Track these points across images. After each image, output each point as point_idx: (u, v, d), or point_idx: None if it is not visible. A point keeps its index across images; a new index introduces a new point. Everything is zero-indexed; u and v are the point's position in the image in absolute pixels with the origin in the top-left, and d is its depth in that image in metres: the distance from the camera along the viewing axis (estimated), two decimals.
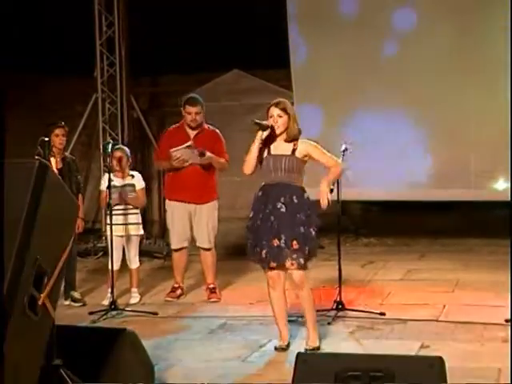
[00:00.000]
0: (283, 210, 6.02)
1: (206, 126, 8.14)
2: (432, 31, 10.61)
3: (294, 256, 5.98)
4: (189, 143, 7.90)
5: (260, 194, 6.17)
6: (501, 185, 10.57)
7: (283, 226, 5.99)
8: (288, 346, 6.20)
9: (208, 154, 7.89)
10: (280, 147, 6.15)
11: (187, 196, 8.02)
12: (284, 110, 6.12)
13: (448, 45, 10.52)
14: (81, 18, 11.28)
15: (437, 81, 10.57)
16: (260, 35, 11.13)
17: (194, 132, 8.05)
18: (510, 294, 7.08)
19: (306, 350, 6.04)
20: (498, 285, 8.07)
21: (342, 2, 11.05)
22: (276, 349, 6.18)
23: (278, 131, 6.11)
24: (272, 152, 6.16)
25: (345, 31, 10.89)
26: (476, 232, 10.93)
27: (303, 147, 6.14)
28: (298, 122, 6.19)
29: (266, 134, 6.09)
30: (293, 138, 6.15)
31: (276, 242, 5.99)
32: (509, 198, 10.11)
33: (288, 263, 6.01)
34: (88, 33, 11.33)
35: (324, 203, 6.02)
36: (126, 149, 8.35)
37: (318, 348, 6.12)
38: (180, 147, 7.90)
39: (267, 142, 6.15)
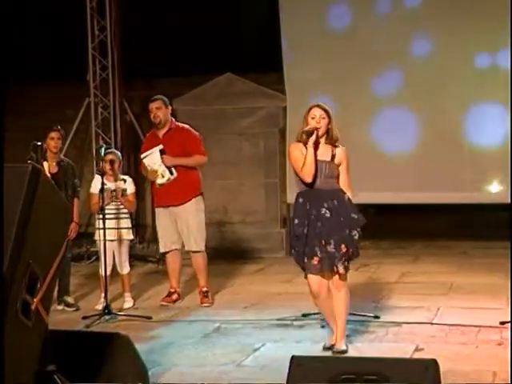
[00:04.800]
0: (328, 215, 5.95)
1: (175, 124, 8.08)
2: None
3: (343, 259, 5.95)
4: (159, 146, 7.85)
5: (301, 200, 6.06)
6: (495, 187, 10.58)
7: (331, 231, 5.94)
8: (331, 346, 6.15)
9: (167, 157, 7.82)
10: (320, 152, 6.03)
11: (167, 200, 7.98)
12: (326, 111, 6.01)
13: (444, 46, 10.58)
14: (73, 21, 11.25)
15: (432, 86, 10.58)
16: (253, 38, 11.11)
17: (162, 132, 8.01)
18: (510, 296, 7.08)
19: (333, 352, 5.97)
20: (493, 287, 8.08)
21: (334, 7, 11.06)
22: (324, 348, 6.13)
23: (320, 133, 5.99)
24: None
25: (337, 34, 10.90)
26: (470, 235, 10.93)
27: (341, 155, 6.06)
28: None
29: (314, 137, 5.96)
30: (333, 142, 6.06)
31: (328, 248, 5.94)
32: (503, 201, 10.13)
33: (340, 268, 5.95)
34: (80, 36, 11.30)
35: None
36: (118, 152, 8.32)
37: (345, 352, 6.01)
38: (148, 152, 7.87)
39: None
